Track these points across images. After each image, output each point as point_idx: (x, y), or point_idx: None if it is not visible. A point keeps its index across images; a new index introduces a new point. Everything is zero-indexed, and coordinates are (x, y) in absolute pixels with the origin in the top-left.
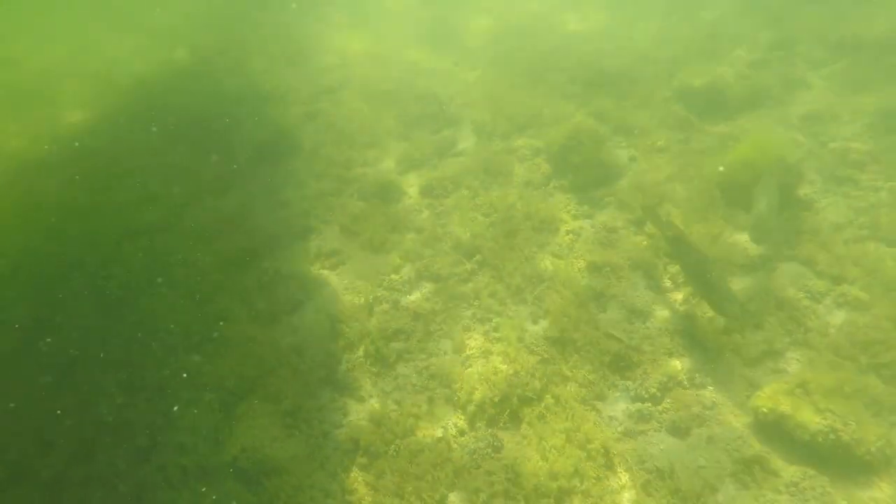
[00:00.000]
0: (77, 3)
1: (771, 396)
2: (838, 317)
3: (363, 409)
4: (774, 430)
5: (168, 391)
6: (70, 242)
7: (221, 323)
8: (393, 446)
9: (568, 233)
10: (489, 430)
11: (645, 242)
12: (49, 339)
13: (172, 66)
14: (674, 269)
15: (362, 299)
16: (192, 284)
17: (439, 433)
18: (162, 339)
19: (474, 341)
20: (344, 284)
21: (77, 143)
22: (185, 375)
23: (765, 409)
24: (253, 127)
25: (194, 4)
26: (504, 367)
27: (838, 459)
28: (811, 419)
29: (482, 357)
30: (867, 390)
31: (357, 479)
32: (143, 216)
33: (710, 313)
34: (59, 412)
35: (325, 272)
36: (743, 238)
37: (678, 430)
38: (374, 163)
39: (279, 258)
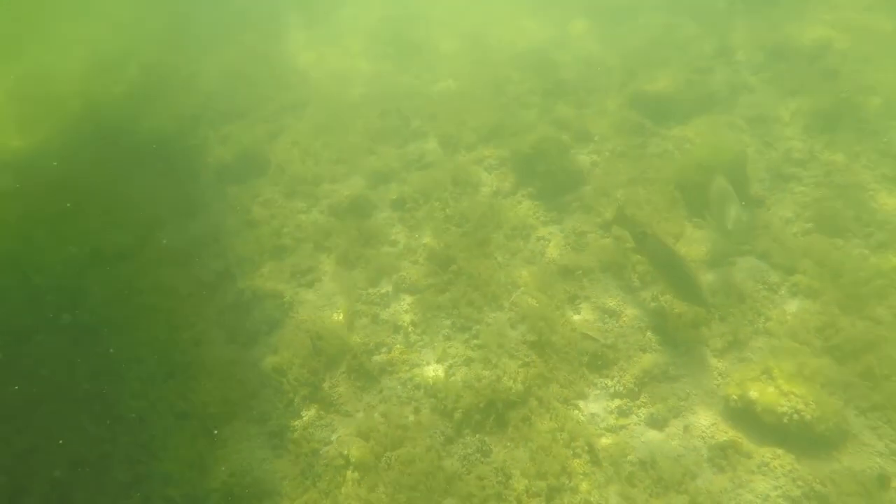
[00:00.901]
0: (18, 23)
1: (739, 384)
2: (793, 305)
3: (351, 424)
4: (744, 415)
5: (147, 421)
6: (31, 273)
7: (199, 347)
8: (384, 459)
9: (539, 239)
10: (477, 436)
11: (612, 245)
12: (14, 376)
13: (124, 87)
14: (642, 268)
15: (341, 315)
16: (164, 310)
17: (428, 442)
18: (137, 368)
19: (456, 349)
20: (322, 301)
21: (27, 171)
22: (163, 404)
23: (734, 397)
24: (215, 146)
25: (145, 23)
26: (487, 373)
27: (802, 438)
28: (776, 402)
29: (465, 364)
30: (823, 371)
31: (350, 494)
32: (107, 242)
33: (679, 309)
34: (29, 452)
35: (302, 290)
36: (703, 234)
37: (656, 422)
38: (343, 178)
39: (254, 278)
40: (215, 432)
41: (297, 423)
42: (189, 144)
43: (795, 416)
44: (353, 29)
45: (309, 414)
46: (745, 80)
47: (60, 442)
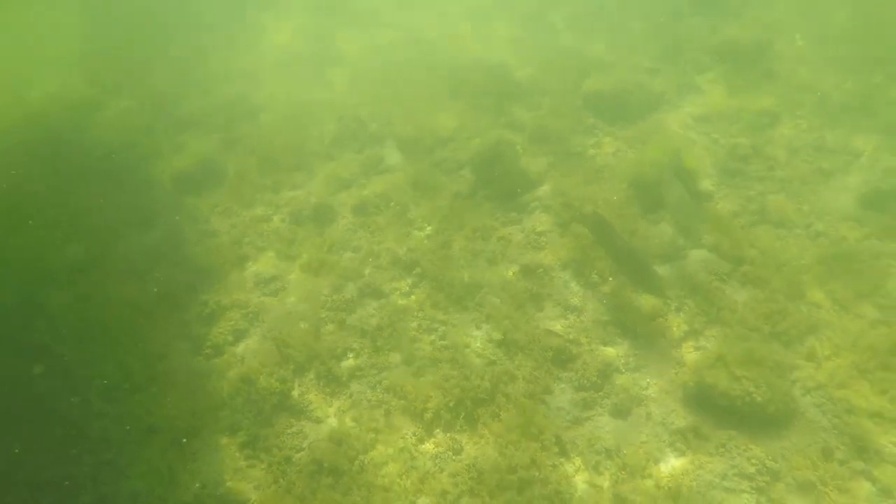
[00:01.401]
0: None
1: (695, 371)
2: (743, 294)
3: (322, 430)
4: (701, 400)
5: (112, 440)
6: None
7: (163, 361)
8: (357, 462)
9: (499, 239)
10: (448, 435)
11: (572, 242)
12: None
13: (71, 97)
14: (601, 264)
15: (307, 322)
16: (126, 325)
17: (400, 444)
18: (100, 385)
19: (423, 351)
20: (287, 309)
21: None
22: (130, 420)
23: (691, 383)
24: (170, 156)
25: (91, 31)
26: (454, 372)
27: (755, 418)
28: (730, 386)
29: (432, 365)
30: (771, 355)
31: (326, 499)
32: (62, 257)
33: (637, 302)
34: None
35: (267, 299)
36: (657, 230)
37: (620, 412)
38: (303, 185)
39: (217, 289)
40: (184, 440)
41: (268, 431)
42: (142, 154)
43: (748, 399)
44: (304, 36)
45: (280, 422)
46: (691, 81)
47: (23, 465)
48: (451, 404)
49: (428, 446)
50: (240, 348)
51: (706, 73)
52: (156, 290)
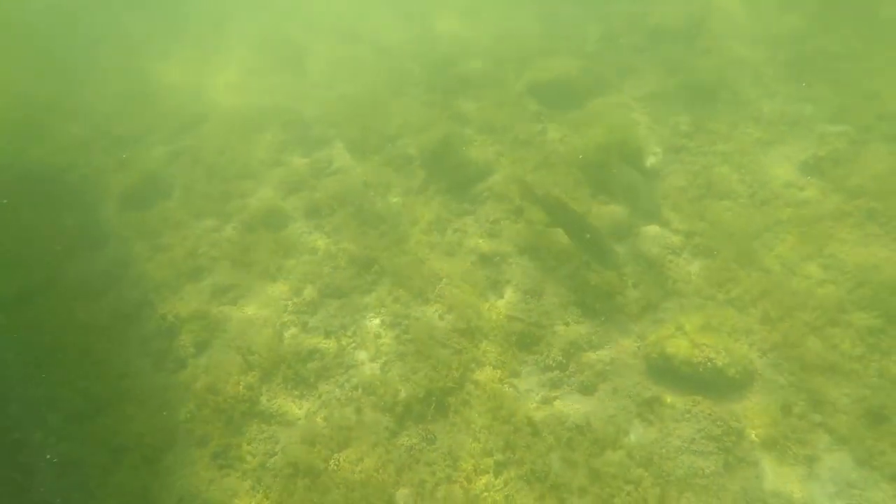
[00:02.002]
0: None
1: (656, 343)
2: (696, 265)
3: (294, 433)
4: (664, 370)
5: (79, 462)
6: None
7: (125, 379)
8: (332, 461)
9: (455, 231)
10: (420, 426)
11: (526, 228)
12: None
13: (6, 120)
14: (556, 248)
15: (270, 328)
16: (82, 346)
17: (373, 439)
18: (60, 409)
19: (388, 346)
20: (248, 317)
21: None
22: (95, 441)
23: (654, 355)
24: (113, 174)
25: (22, 50)
26: (421, 364)
27: (716, 383)
28: (691, 354)
29: (399, 360)
30: (727, 321)
31: (304, 499)
32: (10, 282)
33: (595, 281)
34: None
35: (226, 308)
36: (608, 210)
37: (587, 389)
38: (253, 193)
39: (174, 302)
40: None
41: (239, 439)
42: (84, 174)
43: (709, 365)
44: (242, 41)
45: (250, 429)
46: (629, 63)
47: None
48: (420, 396)
49: (402, 439)
50: (203, 360)
51: (643, 54)
52: (110, 309)
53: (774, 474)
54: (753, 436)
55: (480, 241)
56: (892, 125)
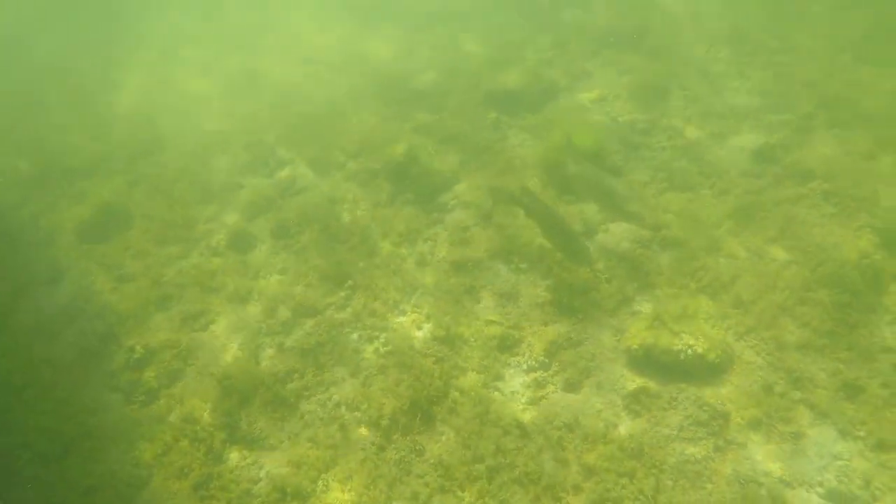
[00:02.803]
0: None
1: (636, 335)
2: (666, 257)
3: (278, 456)
4: (646, 361)
5: None
6: None
7: (95, 416)
8: (320, 481)
9: (426, 240)
10: (407, 438)
11: (496, 233)
12: None
13: None
14: (527, 250)
15: (245, 351)
16: (44, 385)
17: (361, 455)
18: (26, 452)
19: (368, 361)
20: (221, 342)
21: None
22: (64, 484)
23: (634, 346)
24: (68, 207)
25: None
26: (404, 376)
27: (698, 369)
28: (670, 342)
29: (380, 373)
30: (702, 308)
31: None
32: None
33: (569, 279)
34: None
35: (197, 335)
36: (576, 209)
37: (572, 386)
38: (217, 217)
39: (142, 333)
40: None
41: (221, 468)
42: (37, 210)
43: (689, 352)
44: (198, 66)
45: (232, 456)
46: (582, 67)
47: None
48: (405, 408)
49: (390, 453)
50: (177, 389)
51: (594, 59)
52: (73, 344)
53: (763, 453)
54: (739, 418)
55: (452, 249)
56: (832, 112)
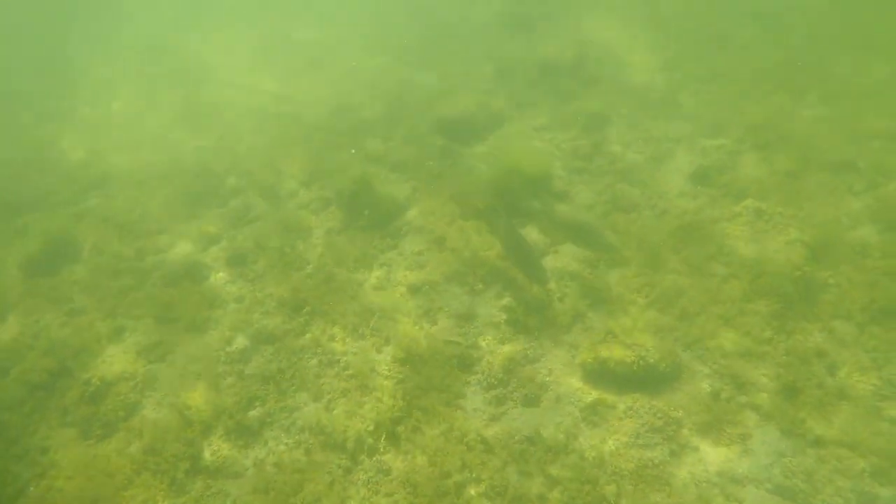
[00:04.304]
0: None
1: (590, 349)
2: (613, 275)
3: (244, 484)
4: (601, 373)
5: None
6: None
7: (48, 454)
8: None
9: (381, 265)
10: (374, 458)
11: (451, 257)
12: None
13: None
14: (482, 271)
15: (204, 380)
16: None
17: (328, 478)
18: None
19: (330, 385)
20: (178, 372)
21: None
22: None
23: (589, 360)
24: (10, 242)
25: None
26: (366, 398)
27: (650, 379)
28: (623, 355)
29: (342, 396)
30: (651, 322)
31: None
32: None
33: (524, 299)
34: None
35: (154, 366)
36: (526, 232)
37: (531, 401)
38: (169, 248)
39: (96, 366)
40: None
41: (185, 498)
42: None
43: (641, 362)
44: (144, 96)
45: (196, 486)
46: (525, 96)
47: None
48: (370, 429)
49: (357, 474)
50: (135, 421)
51: (537, 88)
52: (21, 382)
53: (715, 455)
54: (690, 423)
55: (408, 273)
56: (759, 135)
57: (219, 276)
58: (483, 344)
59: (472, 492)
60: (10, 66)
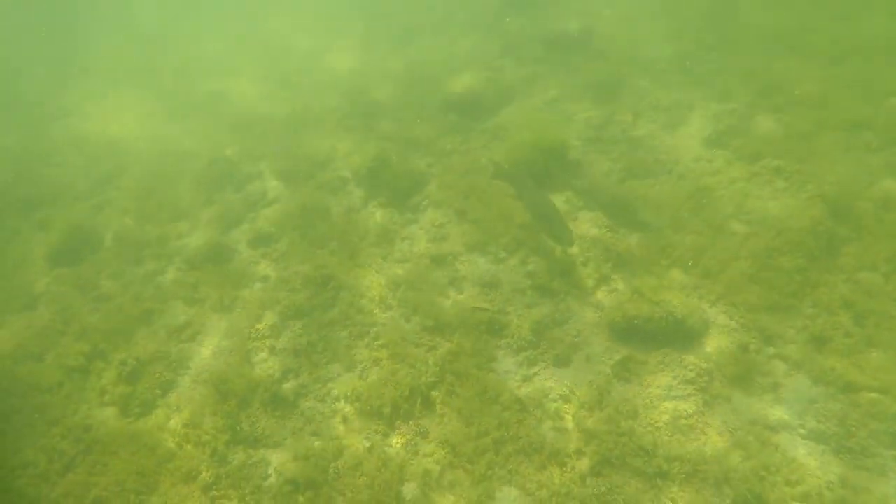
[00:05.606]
0: None
1: (618, 308)
2: (635, 238)
3: (284, 453)
4: (629, 332)
5: None
6: None
7: (91, 432)
8: (331, 470)
9: (403, 239)
10: (411, 423)
11: (472, 228)
12: None
13: None
14: (504, 240)
15: (237, 356)
16: (33, 408)
17: (367, 444)
18: (26, 473)
19: (361, 355)
20: (211, 350)
21: None
22: (70, 499)
23: (617, 319)
24: (32, 235)
25: None
26: (399, 366)
27: (678, 335)
28: (652, 311)
29: (375, 365)
30: (676, 280)
31: None
32: None
33: (546, 265)
34: None
35: (186, 345)
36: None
37: (562, 361)
38: (190, 232)
39: (129, 348)
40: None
41: (228, 468)
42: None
43: (669, 318)
44: (147, 93)
45: (237, 457)
46: (533, 71)
47: None
48: (405, 394)
49: (395, 439)
50: (172, 398)
51: (544, 63)
52: (57, 366)
53: (747, 404)
54: (721, 374)
55: (430, 245)
56: (770, 98)
57: (242, 258)
58: (510, 309)
59: (511, 448)
60: (21, 66)
